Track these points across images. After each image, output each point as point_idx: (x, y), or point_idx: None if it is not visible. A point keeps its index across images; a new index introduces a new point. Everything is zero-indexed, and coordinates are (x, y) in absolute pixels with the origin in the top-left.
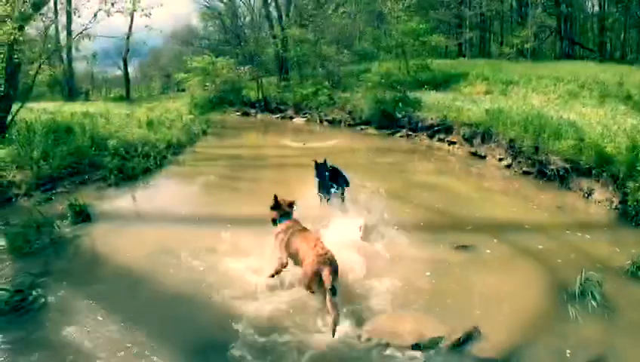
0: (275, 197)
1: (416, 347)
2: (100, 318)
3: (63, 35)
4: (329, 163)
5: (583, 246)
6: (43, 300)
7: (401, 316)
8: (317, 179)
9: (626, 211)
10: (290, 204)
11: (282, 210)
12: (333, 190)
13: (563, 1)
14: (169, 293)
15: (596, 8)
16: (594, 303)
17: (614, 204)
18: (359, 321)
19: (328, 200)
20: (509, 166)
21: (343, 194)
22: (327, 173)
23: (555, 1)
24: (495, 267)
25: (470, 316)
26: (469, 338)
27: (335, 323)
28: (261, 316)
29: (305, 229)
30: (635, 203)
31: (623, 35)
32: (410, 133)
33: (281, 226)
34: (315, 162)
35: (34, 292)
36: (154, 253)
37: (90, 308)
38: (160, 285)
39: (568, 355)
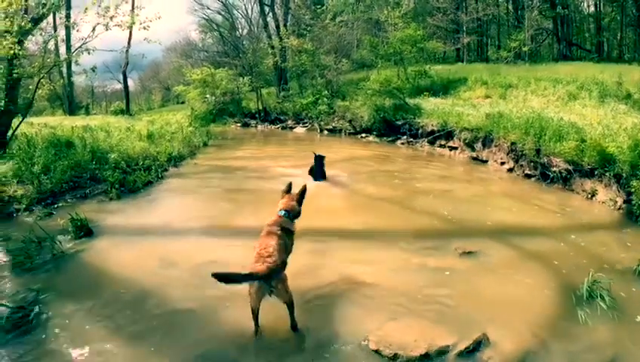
0: (290, 184)
1: (425, 357)
2: (103, 335)
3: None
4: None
5: (589, 248)
6: (45, 317)
7: (408, 324)
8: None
9: (631, 211)
10: (300, 197)
11: (288, 201)
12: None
13: (559, 2)
14: (173, 309)
15: (592, 9)
16: (603, 305)
17: (618, 204)
18: (365, 331)
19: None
20: (511, 169)
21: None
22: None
23: (551, 3)
24: (501, 272)
25: (478, 323)
26: (478, 345)
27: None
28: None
29: (276, 233)
30: None
31: (619, 34)
32: (411, 139)
33: (271, 219)
34: (315, 154)
35: (35, 309)
36: (157, 267)
37: (93, 325)
38: (164, 300)
39: (579, 360)
